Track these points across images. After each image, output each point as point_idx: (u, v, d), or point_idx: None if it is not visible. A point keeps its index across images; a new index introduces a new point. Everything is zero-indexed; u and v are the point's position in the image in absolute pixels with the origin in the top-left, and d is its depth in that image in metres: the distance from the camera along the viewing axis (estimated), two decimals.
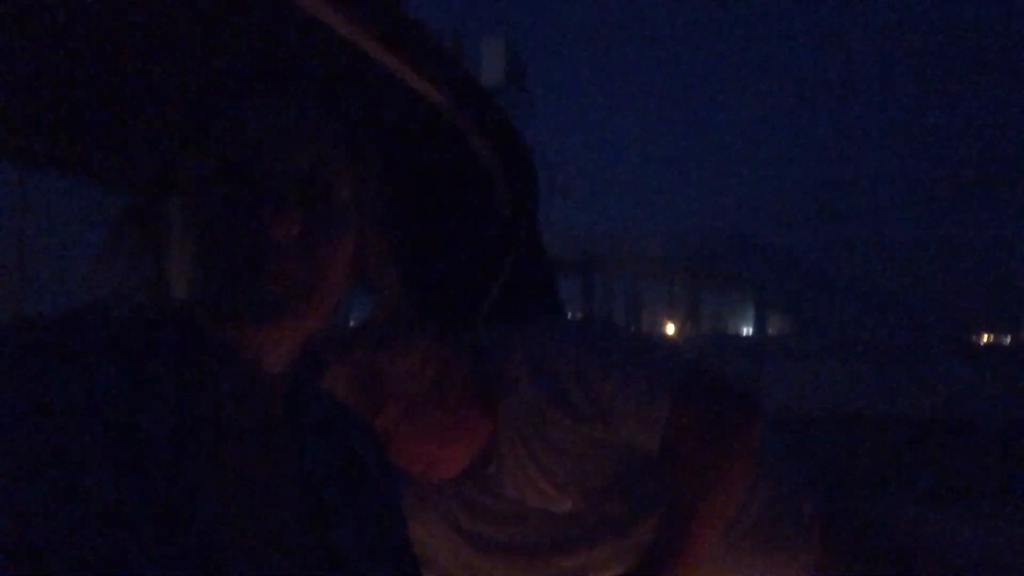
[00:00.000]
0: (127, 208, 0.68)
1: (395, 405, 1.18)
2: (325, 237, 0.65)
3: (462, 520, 1.34)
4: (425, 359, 1.23)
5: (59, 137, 1.19)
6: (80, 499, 0.53)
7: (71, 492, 0.52)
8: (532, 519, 1.30)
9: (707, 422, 1.19)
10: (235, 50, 0.78)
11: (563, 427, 1.23)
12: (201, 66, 0.70)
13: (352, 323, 1.17)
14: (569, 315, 3.56)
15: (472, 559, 1.34)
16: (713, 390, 1.24)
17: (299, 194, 0.63)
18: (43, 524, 0.51)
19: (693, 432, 1.18)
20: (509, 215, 1.69)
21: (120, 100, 1.03)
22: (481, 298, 1.80)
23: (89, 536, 0.52)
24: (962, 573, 1.44)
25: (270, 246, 0.61)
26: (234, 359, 0.65)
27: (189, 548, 0.56)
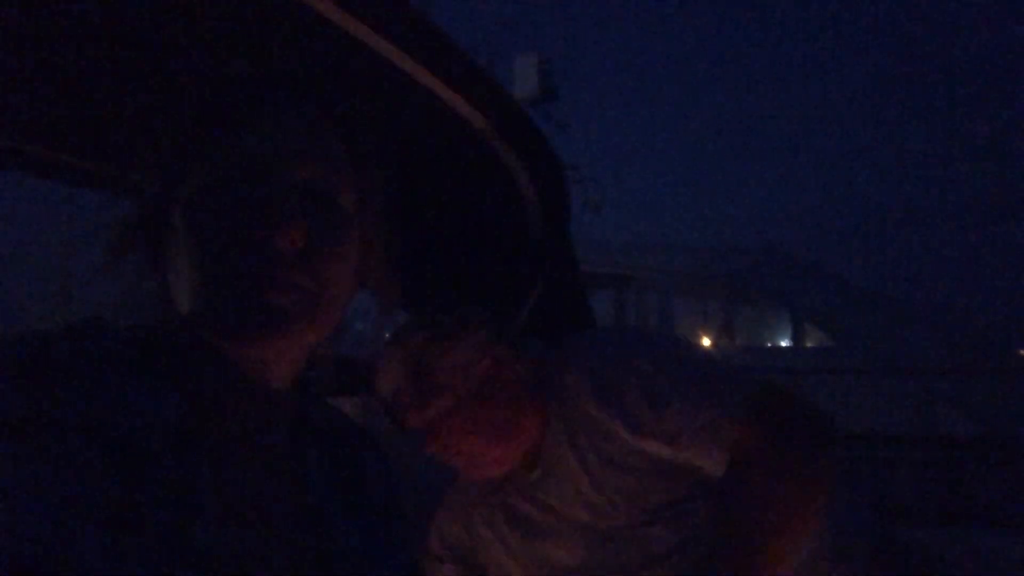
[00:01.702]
0: (130, 221, 0.67)
1: (444, 399, 1.17)
2: (330, 247, 0.64)
3: (503, 527, 1.32)
4: (478, 355, 1.21)
5: (63, 145, 1.19)
6: (77, 513, 0.52)
7: (68, 506, 0.52)
8: (569, 534, 1.26)
9: (779, 449, 1.10)
10: (239, 59, 0.78)
11: (622, 442, 1.19)
12: (205, 75, 0.69)
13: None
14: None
15: (511, 566, 1.33)
16: (786, 414, 1.15)
17: (303, 204, 0.63)
18: (39, 539, 0.50)
19: (764, 458, 1.09)
20: (542, 232, 1.69)
21: (124, 109, 1.04)
22: (515, 314, 1.80)
23: (86, 551, 0.51)
24: None
25: (275, 257, 0.60)
26: (239, 374, 0.65)
27: (189, 562, 0.56)
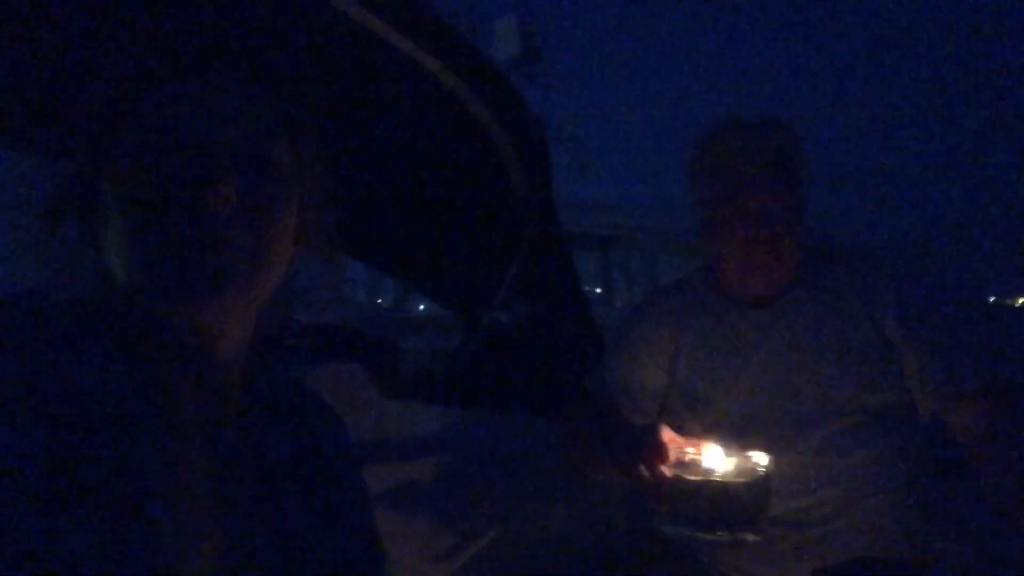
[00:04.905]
0: (61, 193, 0.66)
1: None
2: (265, 206, 0.64)
3: (713, 340, 1.43)
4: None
5: None
6: (16, 489, 0.51)
7: (7, 481, 0.51)
8: (767, 367, 1.36)
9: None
10: (168, 24, 0.76)
11: (868, 321, 1.31)
12: (129, 39, 0.68)
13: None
14: (587, 290, 3.55)
15: (706, 377, 1.42)
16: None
17: (234, 162, 0.62)
18: None
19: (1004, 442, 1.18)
20: (523, 193, 1.69)
21: (53, 74, 1.01)
22: (500, 276, 1.81)
23: (23, 527, 0.50)
24: None
25: (209, 217, 0.60)
26: (183, 341, 0.64)
27: (133, 537, 0.54)
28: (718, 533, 1.02)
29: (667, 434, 1.09)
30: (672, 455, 1.06)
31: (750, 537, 1.02)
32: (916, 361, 1.28)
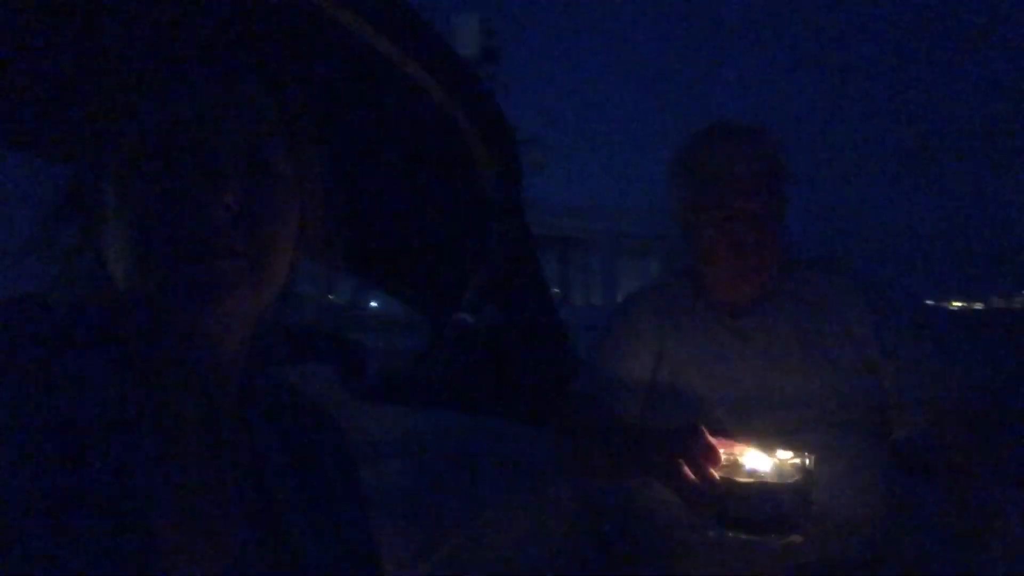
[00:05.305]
0: (61, 196, 0.65)
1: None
2: (268, 211, 0.63)
3: (698, 338, 1.44)
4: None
5: None
6: (19, 497, 0.51)
7: (10, 490, 0.50)
8: (748, 367, 1.37)
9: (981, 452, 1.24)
10: (169, 24, 0.76)
11: (845, 336, 1.34)
12: (130, 42, 0.67)
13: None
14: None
15: (689, 372, 1.43)
16: (991, 427, 1.29)
17: (236, 167, 0.62)
18: None
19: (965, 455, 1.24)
20: (493, 194, 1.69)
21: (54, 76, 1.00)
22: (468, 275, 1.81)
23: (31, 535, 0.50)
24: None
25: (211, 222, 0.59)
26: (183, 345, 0.63)
27: (130, 542, 0.54)
28: (772, 537, 1.01)
29: (709, 436, 1.05)
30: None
31: (797, 539, 1.00)
32: (896, 378, 1.31)
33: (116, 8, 0.89)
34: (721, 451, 1.04)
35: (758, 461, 1.03)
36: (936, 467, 1.27)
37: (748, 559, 1.28)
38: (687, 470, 1.03)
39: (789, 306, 1.40)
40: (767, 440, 1.21)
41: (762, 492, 1.00)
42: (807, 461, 1.03)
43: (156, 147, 0.61)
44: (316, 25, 1.04)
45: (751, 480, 1.00)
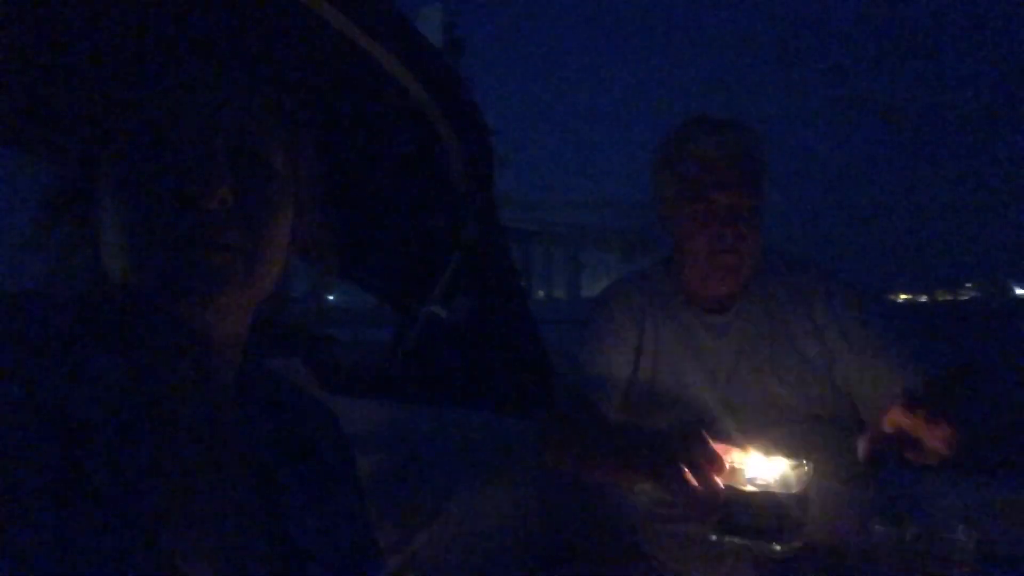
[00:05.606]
0: (58, 192, 0.66)
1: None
2: (262, 204, 0.64)
3: (673, 328, 1.47)
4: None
5: None
6: (22, 488, 0.51)
7: (13, 481, 0.51)
8: (723, 358, 1.41)
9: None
10: (162, 20, 0.77)
11: (812, 329, 1.39)
12: (132, 41, 0.68)
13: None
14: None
15: (667, 357, 1.45)
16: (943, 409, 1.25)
17: (231, 163, 0.62)
18: None
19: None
20: (465, 186, 1.68)
21: (51, 74, 1.00)
22: (439, 268, 1.80)
23: (34, 526, 0.50)
24: None
25: (206, 217, 0.60)
26: (179, 339, 0.64)
27: (132, 536, 0.54)
28: (773, 545, 1.00)
29: (711, 441, 1.05)
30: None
31: (796, 544, 1.00)
32: (858, 370, 1.35)
33: (111, 5, 0.89)
34: (729, 457, 1.04)
35: (759, 468, 1.03)
36: (889, 453, 1.29)
37: (714, 554, 1.30)
38: (691, 477, 1.02)
39: (760, 306, 1.43)
40: (757, 442, 1.20)
41: (765, 500, 1.00)
42: (807, 468, 1.03)
43: (150, 142, 0.61)
44: (303, 21, 1.03)
45: (755, 489, 1.00)
